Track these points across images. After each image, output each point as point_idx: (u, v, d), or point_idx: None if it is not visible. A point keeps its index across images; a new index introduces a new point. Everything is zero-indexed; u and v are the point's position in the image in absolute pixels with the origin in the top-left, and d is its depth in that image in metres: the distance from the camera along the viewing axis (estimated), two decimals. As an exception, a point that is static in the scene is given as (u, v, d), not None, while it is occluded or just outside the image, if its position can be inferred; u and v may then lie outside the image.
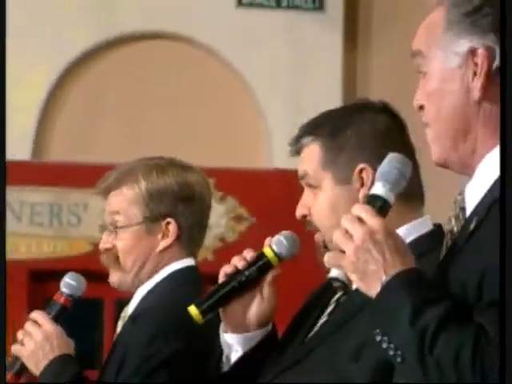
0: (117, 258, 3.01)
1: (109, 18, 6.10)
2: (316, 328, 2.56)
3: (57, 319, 2.98)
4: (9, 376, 2.96)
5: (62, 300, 3.03)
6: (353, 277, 2.04)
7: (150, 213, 3.02)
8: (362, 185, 2.46)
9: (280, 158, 5.52)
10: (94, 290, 5.97)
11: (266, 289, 2.57)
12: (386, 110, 2.60)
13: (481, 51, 2.06)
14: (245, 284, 2.56)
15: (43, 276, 5.90)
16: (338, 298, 2.56)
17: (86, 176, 5.86)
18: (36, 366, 2.91)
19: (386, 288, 2.00)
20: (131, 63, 6.15)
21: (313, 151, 2.58)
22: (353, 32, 6.23)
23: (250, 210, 5.23)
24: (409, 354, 1.94)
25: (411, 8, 5.82)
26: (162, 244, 3.01)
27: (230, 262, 2.58)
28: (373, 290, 2.01)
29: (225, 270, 2.55)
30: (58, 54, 6.07)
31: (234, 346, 2.61)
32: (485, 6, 2.09)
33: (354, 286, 2.31)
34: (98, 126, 6.09)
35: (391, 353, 1.97)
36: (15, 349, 2.95)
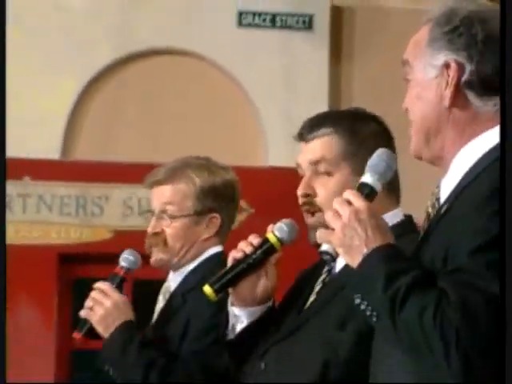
0: (165, 242, 3.00)
1: (126, 36, 6.07)
2: (307, 305, 2.53)
3: (119, 289, 2.96)
4: (78, 336, 2.94)
5: (121, 273, 3.01)
6: (339, 250, 2.04)
7: (201, 207, 3.02)
8: None
9: (274, 158, 5.56)
10: (112, 270, 6.04)
11: (270, 269, 2.54)
12: (375, 118, 2.58)
13: (453, 65, 2.06)
14: (252, 266, 2.54)
15: (70, 258, 5.94)
16: (324, 279, 2.55)
17: (107, 173, 5.91)
18: (106, 330, 2.89)
19: (366, 259, 1.99)
20: (146, 76, 6.13)
21: (333, 141, 2.54)
22: (337, 49, 6.19)
23: (249, 202, 5.13)
24: (382, 314, 1.93)
25: (389, 28, 5.83)
26: (206, 234, 3.00)
27: (235, 247, 2.55)
28: (356, 261, 2.00)
29: (234, 255, 2.54)
30: (83, 69, 6.06)
31: (240, 317, 2.59)
32: (460, 27, 2.08)
33: (338, 269, 2.47)
34: (116, 130, 6.07)
35: (368, 313, 1.96)
36: (86, 313, 2.92)
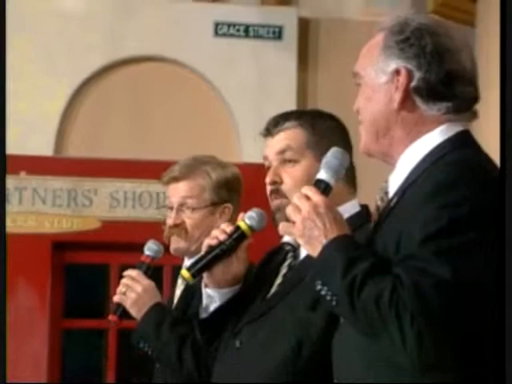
0: (186, 231, 3.00)
1: (115, 44, 6.05)
2: (274, 288, 2.50)
3: (146, 275, 2.94)
4: (114, 318, 2.92)
5: (148, 260, 2.97)
6: (300, 241, 2.02)
7: (216, 198, 3.03)
8: None
9: (248, 155, 5.63)
10: (102, 257, 6.07)
11: (241, 254, 2.52)
12: (332, 117, 2.56)
13: (403, 72, 2.05)
14: (225, 251, 2.51)
15: (62, 246, 5.93)
16: (290, 263, 2.51)
17: (96, 168, 5.90)
18: (138, 312, 2.87)
19: (325, 249, 1.97)
20: (132, 80, 6.11)
21: (298, 133, 2.49)
22: (304, 56, 6.19)
23: (225, 195, 5.13)
24: (341, 299, 1.91)
25: (349, 37, 5.73)
26: (220, 222, 2.88)
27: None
28: (316, 251, 1.98)
29: (209, 242, 2.51)
30: (75, 73, 6.04)
31: (214, 298, 2.56)
32: (411, 38, 2.08)
33: (303, 255, 2.43)
34: (105, 129, 6.05)
35: (328, 298, 1.94)
36: (119, 298, 2.90)
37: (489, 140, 2.15)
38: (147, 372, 3.13)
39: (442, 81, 2.08)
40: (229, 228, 2.52)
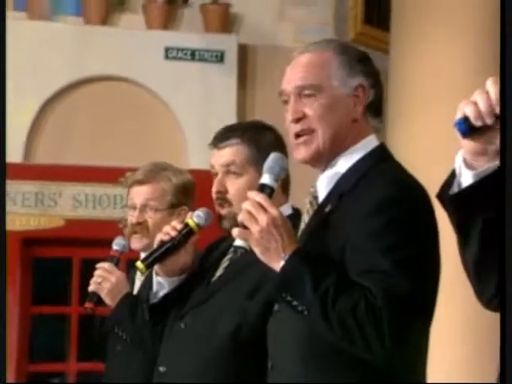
0: (148, 230, 2.96)
1: (78, 64, 5.98)
2: (215, 277, 2.49)
3: (116, 267, 2.92)
4: (90, 305, 2.88)
5: (116, 254, 2.94)
6: (256, 249, 1.93)
7: (176, 201, 2.98)
8: None
9: (195, 162, 5.60)
10: (64, 251, 6.01)
11: (189, 248, 2.50)
12: (271, 128, 2.51)
13: (362, 88, 2.02)
14: (175, 246, 2.49)
15: (30, 242, 5.85)
16: (231, 258, 2.49)
17: (60, 174, 5.83)
18: (113, 300, 2.83)
19: (289, 262, 1.89)
20: (93, 97, 6.06)
21: (241, 150, 2.45)
22: (243, 77, 6.19)
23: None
24: (313, 310, 1.85)
25: (280, 61, 5.89)
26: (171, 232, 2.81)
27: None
28: (273, 262, 1.91)
29: (161, 237, 2.49)
30: (42, 90, 5.97)
31: (163, 285, 2.53)
32: (365, 59, 2.07)
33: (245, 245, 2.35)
34: (68, 140, 5.99)
35: (299, 309, 1.88)
36: (95, 288, 2.86)
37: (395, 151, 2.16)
38: (104, 353, 3.07)
39: (381, 98, 2.08)
40: (179, 225, 2.50)
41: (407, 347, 1.86)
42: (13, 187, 5.83)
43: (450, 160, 1.62)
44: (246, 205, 1.92)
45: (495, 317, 1.63)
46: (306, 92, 2.01)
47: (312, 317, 1.86)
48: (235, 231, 1.96)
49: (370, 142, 2.05)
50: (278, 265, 1.89)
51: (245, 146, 2.46)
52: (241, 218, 1.92)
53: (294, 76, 2.03)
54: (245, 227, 1.91)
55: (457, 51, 4.68)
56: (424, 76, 4.72)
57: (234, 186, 2.46)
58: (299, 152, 2.03)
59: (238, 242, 2.33)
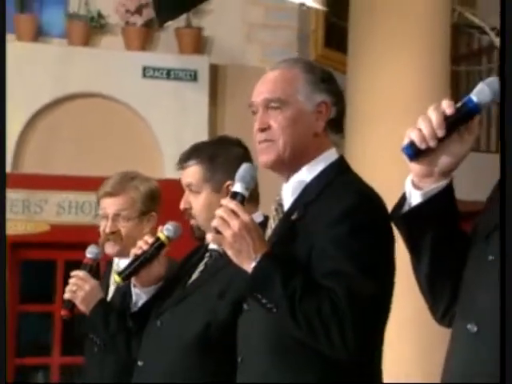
0: (121, 237, 2.90)
1: (62, 81, 5.95)
2: (191, 280, 2.48)
3: (90, 273, 2.82)
4: (65, 313, 2.81)
5: (90, 262, 2.86)
6: (229, 252, 1.91)
7: (145, 208, 2.92)
8: (227, 194, 2.17)
9: (169, 172, 5.40)
10: (49, 254, 5.98)
11: (161, 259, 2.49)
12: (239, 143, 2.48)
13: (325, 105, 2.00)
14: (148, 259, 2.48)
15: (18, 245, 5.78)
16: (206, 262, 2.48)
17: (46, 183, 5.80)
18: (87, 307, 2.74)
19: (260, 264, 1.87)
20: (76, 112, 6.04)
21: (196, 170, 2.46)
22: (214, 95, 6.19)
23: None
24: (281, 308, 1.84)
25: (249, 80, 5.90)
26: (147, 228, 2.89)
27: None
28: (245, 263, 1.89)
29: (134, 251, 2.49)
30: (29, 105, 5.95)
31: (141, 295, 2.54)
32: (331, 78, 2.05)
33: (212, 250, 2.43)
34: (53, 151, 5.95)
35: (268, 306, 1.86)
36: (70, 296, 2.78)
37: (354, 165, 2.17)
38: (82, 348, 3.03)
39: (342, 115, 2.08)
40: (150, 239, 2.49)
41: (367, 344, 1.87)
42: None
43: (399, 170, 1.64)
44: (220, 211, 1.90)
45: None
46: (273, 105, 2.00)
47: (280, 314, 1.86)
48: (209, 236, 1.98)
49: (331, 155, 2.04)
50: (249, 266, 1.88)
51: (201, 166, 2.45)
52: (214, 223, 1.90)
53: (263, 89, 2.02)
54: (218, 232, 1.89)
55: (407, 72, 4.74)
56: (377, 95, 4.77)
57: (194, 202, 2.47)
58: (262, 157, 2.02)
59: (213, 246, 2.31)
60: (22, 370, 5.97)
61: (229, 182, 2.34)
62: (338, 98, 2.05)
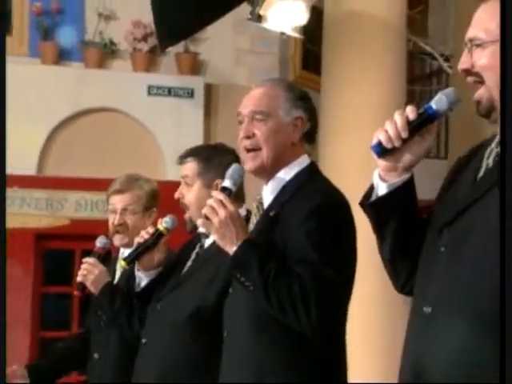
0: (127, 229, 2.86)
1: (78, 98, 5.94)
2: (185, 269, 2.46)
3: (99, 260, 2.79)
4: (78, 293, 2.79)
5: (99, 250, 2.82)
6: (215, 236, 1.92)
7: (148, 205, 2.90)
8: (216, 189, 2.14)
9: (171, 175, 5.59)
10: (69, 244, 6.00)
11: (161, 247, 2.50)
12: (233, 152, 2.43)
13: (301, 120, 2.01)
14: (149, 246, 2.49)
15: (42, 237, 5.83)
16: (197, 252, 2.45)
17: (66, 184, 5.83)
18: (96, 288, 2.71)
19: (241, 248, 1.87)
20: (92, 124, 6.04)
21: (193, 166, 2.45)
22: (208, 110, 6.17)
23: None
24: (257, 286, 1.85)
25: (237, 97, 5.92)
26: (149, 222, 2.84)
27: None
28: (228, 247, 1.89)
29: (138, 240, 2.51)
30: (50, 119, 5.93)
31: (143, 278, 2.55)
32: (306, 97, 2.05)
33: (206, 245, 2.41)
34: (72, 158, 5.95)
35: (246, 284, 1.87)
36: (82, 279, 2.74)
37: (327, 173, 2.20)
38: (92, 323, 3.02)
39: (315, 129, 2.09)
40: (151, 230, 2.51)
41: (330, 320, 1.87)
42: (28, 194, 5.80)
43: (367, 174, 1.65)
44: (210, 201, 1.91)
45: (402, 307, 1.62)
46: (258, 116, 2.01)
47: (256, 292, 1.86)
48: (199, 221, 1.95)
49: (303, 160, 2.05)
50: (231, 249, 1.88)
51: (197, 163, 2.45)
52: (205, 211, 1.91)
53: (249, 102, 2.03)
54: (207, 218, 1.90)
55: (371, 91, 4.80)
56: (346, 109, 4.83)
57: (187, 194, 2.45)
58: (248, 164, 2.02)
59: (202, 230, 2.31)
60: (45, 341, 5.95)
61: (218, 181, 2.33)
62: (312, 115, 2.07)
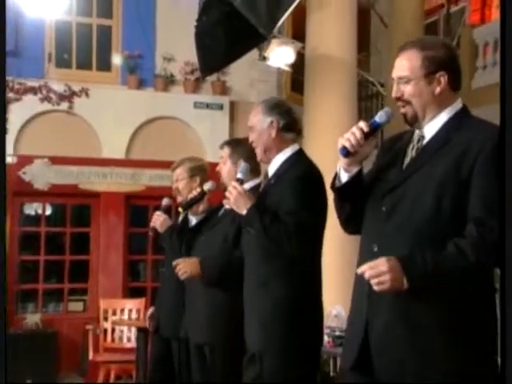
0: (179, 191, 2.72)
1: (152, 110, 5.86)
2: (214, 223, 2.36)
3: (165, 213, 2.60)
4: (151, 233, 2.61)
5: (164, 206, 2.64)
6: (233, 206, 1.89)
7: (191, 174, 2.73)
8: (238, 167, 2.12)
9: (209, 158, 5.32)
10: (146, 202, 6.14)
11: (204, 202, 2.47)
12: (251, 144, 2.11)
13: (272, 122, 1.95)
14: (197, 200, 2.47)
15: (130, 197, 5.75)
16: (222, 213, 2.35)
17: (144, 165, 5.73)
18: (162, 229, 2.59)
19: (248, 211, 1.85)
20: (159, 127, 5.96)
21: (227, 151, 2.31)
22: (232, 118, 6.20)
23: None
24: (259, 233, 1.82)
25: (250, 109, 5.71)
26: (194, 186, 2.68)
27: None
28: (241, 211, 1.87)
29: (190, 196, 2.45)
30: (132, 124, 5.83)
31: (192, 219, 2.49)
32: (279, 107, 1.96)
33: (221, 212, 2.32)
34: (148, 149, 5.83)
35: (252, 232, 1.84)
36: (153, 223, 2.56)
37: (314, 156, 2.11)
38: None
39: (291, 123, 1.97)
40: (199, 189, 2.49)
41: (305, 248, 1.83)
42: (120, 170, 5.82)
43: (333, 165, 1.56)
44: (230, 187, 1.92)
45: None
46: (251, 128, 2.03)
47: (258, 235, 1.85)
48: (224, 201, 2.01)
49: (294, 148, 1.99)
50: (243, 212, 1.88)
51: (228, 149, 2.33)
52: (226, 193, 1.93)
53: (249, 121, 2.04)
54: (227, 198, 1.93)
55: (337, 107, 4.90)
56: (321, 119, 4.95)
57: (222, 169, 2.35)
58: (257, 157, 2.05)
59: (226, 205, 2.25)
60: (131, 261, 5.92)
61: (240, 161, 2.23)
62: (285, 115, 1.96)
